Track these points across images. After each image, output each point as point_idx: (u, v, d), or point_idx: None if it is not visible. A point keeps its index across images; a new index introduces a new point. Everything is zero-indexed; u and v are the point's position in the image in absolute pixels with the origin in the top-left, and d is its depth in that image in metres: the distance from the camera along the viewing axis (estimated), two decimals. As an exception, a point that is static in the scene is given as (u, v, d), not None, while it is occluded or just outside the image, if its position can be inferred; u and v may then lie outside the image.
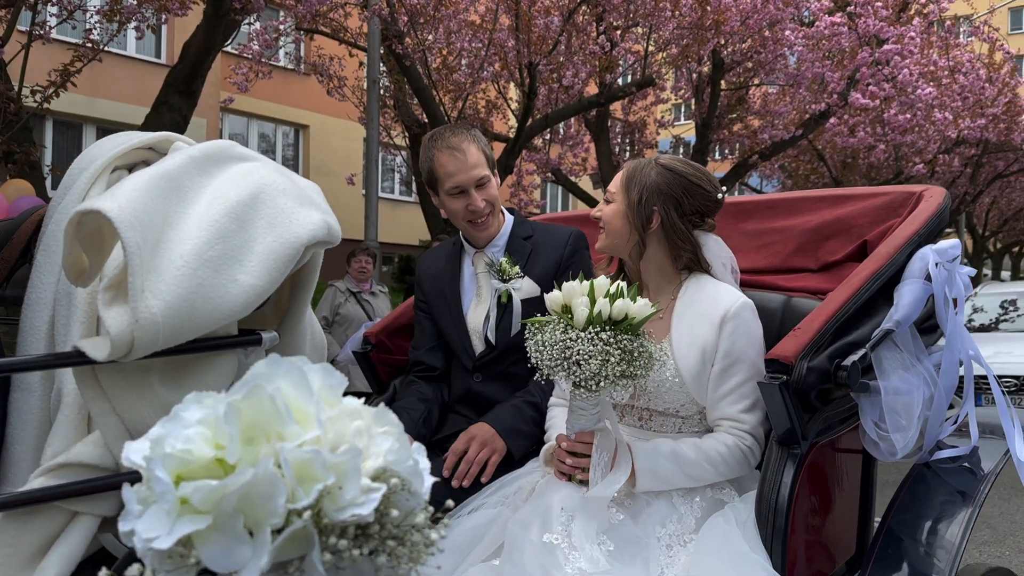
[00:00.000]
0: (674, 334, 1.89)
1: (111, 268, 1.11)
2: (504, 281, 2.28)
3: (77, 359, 1.07)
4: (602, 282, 1.71)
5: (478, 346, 2.31)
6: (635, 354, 1.67)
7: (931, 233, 2.08)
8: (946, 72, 12.89)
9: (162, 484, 0.62)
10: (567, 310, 1.72)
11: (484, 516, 1.85)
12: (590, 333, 1.65)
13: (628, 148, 15.05)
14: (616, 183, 2.01)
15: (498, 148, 11.57)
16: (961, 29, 14.21)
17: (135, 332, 0.91)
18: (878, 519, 2.04)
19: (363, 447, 0.65)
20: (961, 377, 1.99)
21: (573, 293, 1.71)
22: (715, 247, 2.01)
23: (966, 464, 2.06)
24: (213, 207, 0.82)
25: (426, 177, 2.34)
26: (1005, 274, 30.75)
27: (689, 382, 1.85)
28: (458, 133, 2.29)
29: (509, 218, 2.42)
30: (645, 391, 1.91)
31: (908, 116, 10.64)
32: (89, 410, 1.18)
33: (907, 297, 1.88)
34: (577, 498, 1.74)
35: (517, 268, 2.29)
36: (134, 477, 0.67)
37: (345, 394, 0.70)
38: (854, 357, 1.71)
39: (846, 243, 2.28)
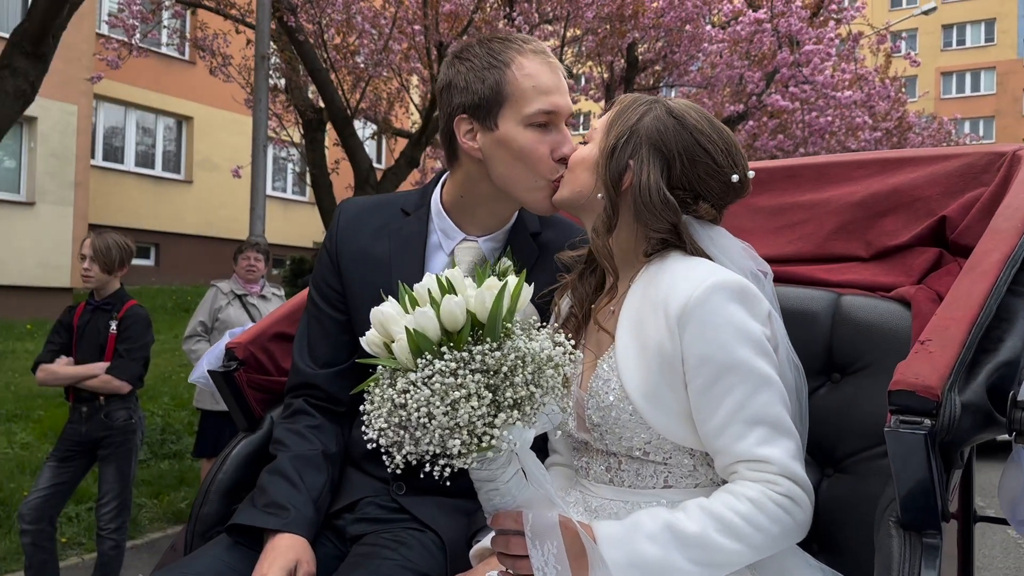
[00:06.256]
0: (618, 340, 1.26)
1: None
2: None
3: None
4: (424, 285, 1.07)
5: None
6: (508, 370, 1.01)
7: (1047, 205, 1.48)
8: (846, 83, 12.99)
9: None
10: (389, 346, 1.06)
11: None
12: (423, 371, 1.00)
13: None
14: (602, 119, 1.39)
15: (401, 143, 10.71)
16: (862, 43, 14.45)
17: None
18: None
19: None
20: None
21: (389, 318, 1.06)
22: (728, 246, 1.35)
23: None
24: None
25: (485, 94, 1.46)
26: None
27: (642, 407, 1.20)
28: (532, 39, 1.50)
29: None
30: (593, 424, 1.25)
31: (829, 119, 10.46)
32: None
33: (1053, 293, 1.26)
34: None
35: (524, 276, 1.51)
36: None
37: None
38: (1033, 388, 1.07)
39: (911, 221, 1.65)
